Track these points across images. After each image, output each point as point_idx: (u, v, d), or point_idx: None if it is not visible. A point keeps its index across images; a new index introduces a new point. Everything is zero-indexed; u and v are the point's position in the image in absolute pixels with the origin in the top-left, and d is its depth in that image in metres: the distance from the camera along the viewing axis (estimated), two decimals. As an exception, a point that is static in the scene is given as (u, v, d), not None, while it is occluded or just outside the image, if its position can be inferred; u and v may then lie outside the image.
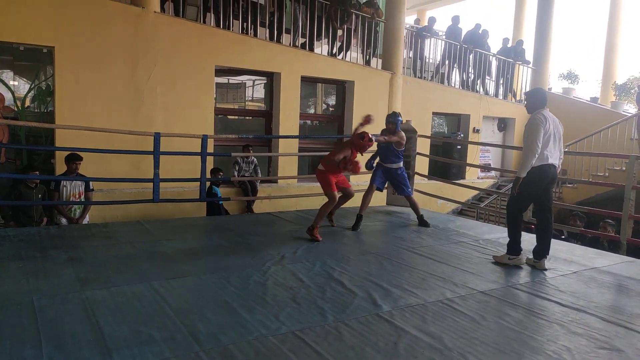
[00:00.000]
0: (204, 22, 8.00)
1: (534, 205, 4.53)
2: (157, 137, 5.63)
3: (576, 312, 3.34)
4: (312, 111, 10.24)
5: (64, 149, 6.10)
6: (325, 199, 5.47)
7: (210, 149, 7.30)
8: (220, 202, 7.36)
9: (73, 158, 5.97)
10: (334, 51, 9.67)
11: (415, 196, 7.61)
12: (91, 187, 6.24)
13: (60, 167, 6.33)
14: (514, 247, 4.46)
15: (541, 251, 4.39)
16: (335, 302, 3.35)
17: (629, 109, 12.78)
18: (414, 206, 6.29)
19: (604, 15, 14.57)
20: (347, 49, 9.85)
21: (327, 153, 5.83)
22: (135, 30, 7.02)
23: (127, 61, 6.99)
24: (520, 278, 4.11)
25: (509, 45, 12.91)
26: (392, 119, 6.06)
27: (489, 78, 12.11)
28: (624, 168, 6.51)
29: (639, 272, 4.47)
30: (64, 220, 6.05)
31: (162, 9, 7.60)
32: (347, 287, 3.67)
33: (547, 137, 4.18)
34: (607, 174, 9.18)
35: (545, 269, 4.31)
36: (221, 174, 7.35)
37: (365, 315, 3.14)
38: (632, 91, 12.69)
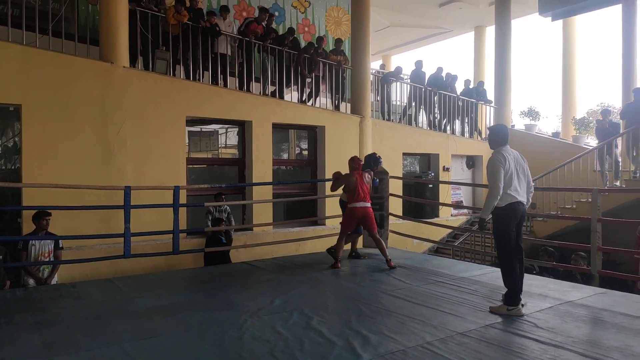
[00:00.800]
0: (174, 74, 8.10)
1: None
2: (127, 191, 5.56)
3: (554, 349, 3.35)
4: (285, 156, 10.33)
5: (30, 208, 5.96)
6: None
7: (183, 199, 7.25)
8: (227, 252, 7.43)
9: (41, 214, 5.82)
10: (303, 98, 9.88)
11: (391, 236, 7.69)
12: (60, 245, 6.06)
13: (28, 226, 6.14)
14: (512, 296, 4.17)
15: (508, 295, 4.21)
16: (314, 353, 3.28)
17: (590, 141, 13.32)
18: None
19: (558, 53, 15.42)
20: (317, 95, 10.09)
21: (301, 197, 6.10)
22: (105, 85, 7.05)
23: (97, 116, 6.98)
24: (497, 316, 4.11)
25: (471, 86, 13.46)
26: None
27: (452, 118, 12.51)
28: (590, 200, 6.73)
29: (612, 303, 4.54)
30: (31, 281, 5.82)
31: (132, 64, 7.68)
32: (326, 336, 3.61)
33: (509, 175, 4.19)
34: (574, 206, 9.45)
35: (522, 315, 4.11)
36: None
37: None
38: (591, 125, 13.28)
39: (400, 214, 9.86)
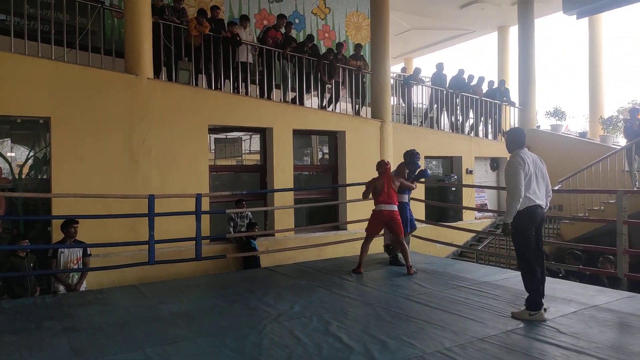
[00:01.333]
0: (196, 84, 8.28)
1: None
2: (151, 199, 5.70)
3: (577, 355, 3.29)
4: (307, 161, 10.40)
5: (57, 217, 6.17)
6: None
7: (205, 206, 7.37)
8: (257, 257, 7.73)
9: (69, 223, 6.02)
10: (324, 104, 9.94)
11: (414, 241, 7.64)
12: (89, 253, 6.25)
13: (57, 234, 6.36)
14: (534, 300, 4.11)
15: (530, 300, 4.14)
16: (332, 359, 3.31)
17: (619, 141, 12.97)
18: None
19: (585, 51, 15.05)
20: (337, 100, 10.13)
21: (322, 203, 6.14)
22: (130, 96, 7.26)
23: (123, 127, 7.19)
24: (519, 322, 4.06)
25: (494, 87, 13.28)
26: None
27: (472, 118, 12.36)
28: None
29: (639, 307, 4.42)
30: (61, 288, 6.02)
31: (156, 75, 7.88)
32: (345, 342, 3.63)
33: (528, 178, 4.14)
34: (602, 208, 9.21)
35: (545, 319, 4.06)
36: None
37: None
38: (619, 124, 12.92)
39: (423, 218, 9.80)
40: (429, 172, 6.85)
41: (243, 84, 8.76)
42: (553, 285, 5.07)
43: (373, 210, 6.28)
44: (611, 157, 9.64)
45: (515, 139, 4.38)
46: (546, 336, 3.67)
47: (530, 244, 4.19)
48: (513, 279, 5.60)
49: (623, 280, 5.63)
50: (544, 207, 4.28)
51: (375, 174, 6.42)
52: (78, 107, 6.89)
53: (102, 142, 7.02)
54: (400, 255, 6.52)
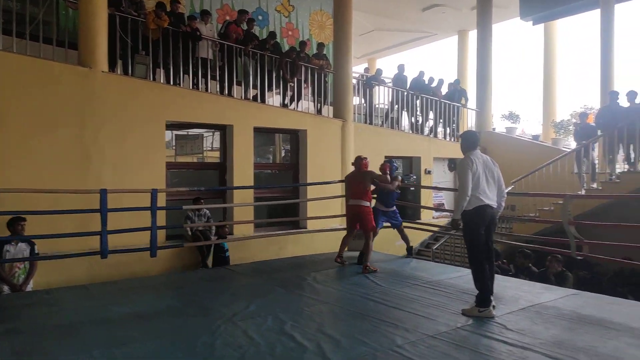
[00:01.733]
0: (154, 79, 8.07)
1: None
2: (103, 194, 5.53)
3: (522, 351, 3.41)
4: (269, 160, 10.34)
5: (3, 213, 5.88)
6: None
7: (162, 203, 7.21)
8: (227, 255, 7.72)
9: (16, 220, 5.77)
10: (285, 102, 9.90)
11: (375, 239, 7.70)
12: (36, 251, 5.99)
13: (3, 232, 6.06)
14: (483, 298, 4.24)
15: (480, 298, 4.26)
16: (285, 358, 3.31)
17: (569, 144, 13.53)
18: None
19: (540, 57, 15.64)
20: (299, 99, 10.12)
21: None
22: (83, 90, 7.00)
23: (75, 121, 6.92)
24: (469, 318, 4.17)
25: (452, 88, 13.60)
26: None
27: (432, 119, 12.62)
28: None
29: (583, 304, 4.63)
30: (6, 288, 5.75)
31: (111, 68, 7.64)
32: (298, 341, 3.63)
33: (477, 178, 4.28)
34: (552, 208, 9.58)
35: (493, 316, 4.17)
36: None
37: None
38: (570, 128, 13.49)
39: (382, 217, 9.92)
40: (396, 164, 7.04)
41: (203, 80, 8.62)
42: (502, 283, 5.24)
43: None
44: (562, 159, 10.04)
45: (468, 141, 4.52)
46: (493, 333, 3.79)
47: (479, 243, 4.32)
48: (466, 276, 5.74)
49: (568, 278, 5.89)
50: (494, 207, 4.40)
51: (336, 173, 6.55)
52: (27, 100, 6.58)
53: (52, 137, 6.74)
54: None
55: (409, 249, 7.36)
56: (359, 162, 6.56)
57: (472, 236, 4.33)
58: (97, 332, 3.89)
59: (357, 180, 6.46)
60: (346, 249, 6.87)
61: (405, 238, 7.32)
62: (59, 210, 6.14)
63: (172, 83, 8.22)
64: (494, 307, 4.26)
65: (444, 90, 13.12)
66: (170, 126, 8.25)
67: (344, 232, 6.95)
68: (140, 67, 7.73)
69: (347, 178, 6.71)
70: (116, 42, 7.70)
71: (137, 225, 6.59)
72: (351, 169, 7.00)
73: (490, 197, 4.34)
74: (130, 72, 7.78)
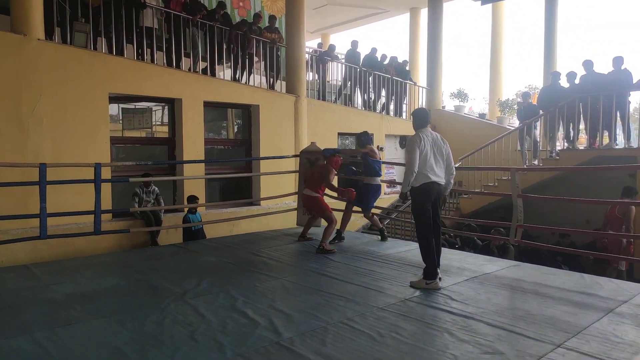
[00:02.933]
0: (95, 48, 7.64)
1: None
2: (42, 168, 5.22)
3: (465, 320, 3.56)
4: (223, 136, 10.12)
5: None
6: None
7: (108, 178, 6.93)
8: (200, 227, 7.59)
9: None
10: (237, 76, 9.67)
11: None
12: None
13: None
14: (430, 271, 4.38)
15: (427, 271, 4.39)
16: (236, 334, 3.30)
17: (514, 122, 14.07)
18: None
19: (488, 37, 16.00)
20: (250, 73, 9.90)
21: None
22: (17, 59, 6.53)
23: (9, 92, 6.46)
24: (416, 290, 4.31)
25: (407, 67, 13.75)
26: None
27: (384, 96, 12.75)
28: (510, 178, 7.13)
29: (523, 275, 4.89)
30: None
31: (48, 36, 7.15)
32: (250, 317, 3.63)
33: (424, 156, 4.39)
34: (496, 184, 10.00)
35: (440, 288, 4.32)
36: (197, 201, 7.58)
37: (266, 345, 3.11)
38: (514, 107, 14.00)
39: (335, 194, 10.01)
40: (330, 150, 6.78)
41: (148, 50, 8.24)
42: (448, 256, 5.44)
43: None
44: (506, 137, 10.45)
45: (418, 119, 4.63)
46: (439, 303, 3.94)
47: (426, 218, 4.45)
48: (414, 250, 5.91)
49: (510, 250, 6.18)
50: (441, 183, 4.51)
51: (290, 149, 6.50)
52: (-47, 68, 6.09)
53: (-17, 109, 6.28)
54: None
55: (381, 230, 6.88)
56: (333, 158, 6.30)
57: (419, 212, 4.47)
58: (39, 313, 3.72)
59: (310, 171, 6.42)
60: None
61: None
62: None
63: (114, 53, 7.80)
64: (440, 279, 4.42)
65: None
66: (115, 99, 7.88)
67: (295, 211, 6.98)
68: (80, 35, 7.28)
69: (308, 165, 6.56)
70: (53, 8, 7.21)
71: (80, 201, 6.33)
72: (305, 144, 6.96)
73: (437, 174, 4.45)
74: (69, 40, 7.32)
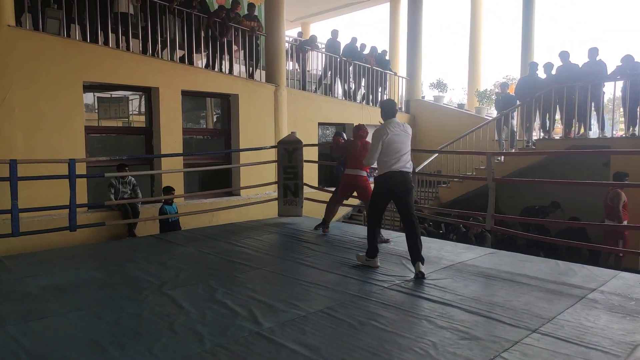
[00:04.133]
0: (68, 35, 7.43)
1: (399, 214, 4.75)
2: (13, 164, 5.06)
3: (443, 307, 3.61)
4: (202, 125, 9.99)
5: None
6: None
7: (82, 171, 6.80)
8: (175, 219, 7.49)
9: None
10: (215, 64, 9.52)
11: (307, 204, 7.75)
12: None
13: None
14: (370, 250, 4.78)
15: (413, 257, 4.46)
16: (215, 325, 3.27)
17: (492, 113, 14.24)
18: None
19: (466, 28, 16.11)
20: (229, 62, 9.77)
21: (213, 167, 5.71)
22: (-15, 45, 6.32)
23: (-23, 80, 6.26)
24: (396, 278, 4.35)
25: (387, 57, 13.75)
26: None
27: (364, 86, 12.75)
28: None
29: (499, 262, 4.97)
30: None
31: (18, 23, 6.92)
32: (230, 307, 3.61)
33: (387, 146, 4.50)
34: (474, 173, 10.12)
35: (421, 272, 4.34)
36: (173, 192, 7.50)
37: (245, 335, 3.10)
38: (492, 97, 14.16)
39: (316, 183, 10.01)
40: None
41: (123, 37, 8.05)
42: (427, 244, 5.46)
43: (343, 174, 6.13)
44: (484, 127, 10.56)
45: (386, 109, 4.74)
46: (418, 291, 3.98)
47: (377, 205, 4.74)
48: (395, 239, 5.98)
49: (488, 238, 6.28)
50: (409, 170, 4.59)
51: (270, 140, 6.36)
52: None
53: (-50, 97, 6.07)
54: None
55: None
56: (358, 131, 5.91)
57: (375, 198, 4.75)
58: (12, 306, 3.63)
59: (353, 149, 5.88)
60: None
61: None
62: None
63: (89, 40, 7.60)
64: (421, 274, 4.34)
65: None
66: (90, 87, 7.70)
67: (275, 201, 6.85)
68: (53, 21, 7.07)
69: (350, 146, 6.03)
70: (23, -8, 6.98)
71: (54, 193, 6.20)
72: (285, 134, 6.88)
73: (403, 163, 4.54)
74: (41, 27, 7.09)
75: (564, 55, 9.57)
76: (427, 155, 10.64)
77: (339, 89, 12.32)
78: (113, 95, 8.52)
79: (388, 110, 4.70)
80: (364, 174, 5.93)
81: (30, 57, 6.68)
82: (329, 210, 6.46)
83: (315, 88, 11.95)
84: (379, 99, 13.07)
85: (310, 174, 9.53)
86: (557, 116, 9.89)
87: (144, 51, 8.30)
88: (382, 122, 4.70)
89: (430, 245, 5.52)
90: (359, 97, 12.59)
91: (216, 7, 10.90)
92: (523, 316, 3.42)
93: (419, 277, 4.31)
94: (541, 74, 10.07)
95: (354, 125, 6.22)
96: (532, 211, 8.78)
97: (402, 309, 3.57)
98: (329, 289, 4.05)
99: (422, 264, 4.41)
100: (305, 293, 3.95)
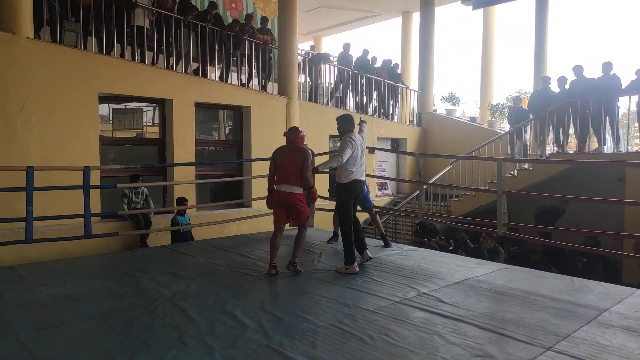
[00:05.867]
0: (85, 47, 7.57)
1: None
2: (29, 171, 5.15)
3: (455, 322, 3.56)
4: (214, 137, 10.07)
5: None
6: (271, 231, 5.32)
7: (96, 181, 6.87)
8: (187, 230, 7.54)
9: None
10: (228, 77, 9.63)
11: (318, 215, 7.73)
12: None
13: None
14: (348, 257, 5.01)
15: (363, 246, 5.27)
16: (225, 337, 3.26)
17: (504, 126, 14.16)
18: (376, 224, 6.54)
19: (479, 42, 16.10)
20: (242, 74, 9.87)
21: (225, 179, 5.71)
22: (5, 57, 6.45)
23: (-4, 91, 6.39)
24: (407, 293, 4.30)
25: (398, 70, 13.79)
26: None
27: (376, 99, 12.78)
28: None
29: (512, 278, 4.89)
30: None
31: (37, 35, 7.08)
32: (239, 319, 3.60)
33: (354, 156, 4.94)
34: (486, 187, 10.03)
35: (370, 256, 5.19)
36: (186, 203, 7.62)
37: (255, 347, 3.08)
38: (505, 111, 14.10)
39: (326, 194, 9.99)
40: None
41: (139, 50, 8.18)
42: (439, 259, 5.45)
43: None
44: (496, 141, 10.50)
45: (347, 124, 5.14)
46: (430, 306, 3.93)
47: (348, 211, 5.06)
48: (405, 253, 5.94)
49: (501, 253, 6.20)
50: (364, 180, 5.18)
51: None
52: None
53: (-30, 108, 6.19)
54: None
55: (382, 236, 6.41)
56: (294, 134, 5.05)
57: (344, 206, 5.06)
58: (24, 315, 3.66)
59: (290, 158, 4.91)
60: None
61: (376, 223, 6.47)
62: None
63: (105, 53, 7.73)
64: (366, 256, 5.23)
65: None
66: (106, 99, 7.81)
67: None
68: (70, 34, 7.21)
69: (277, 154, 5.07)
70: (42, 6, 7.14)
71: (68, 202, 6.28)
72: None
73: (362, 173, 5.10)
74: (59, 39, 7.24)
75: (578, 69, 9.51)
76: (439, 169, 10.59)
77: (350, 101, 12.36)
78: (128, 107, 8.63)
79: (349, 124, 5.11)
80: (300, 191, 4.88)
81: (48, 69, 6.81)
82: (336, 222, 6.44)
83: (327, 100, 12.00)
84: (391, 112, 13.08)
85: (321, 184, 9.52)
86: (571, 130, 9.81)
87: (159, 64, 8.41)
88: (343, 136, 5.06)
89: (442, 260, 5.46)
90: (370, 110, 12.61)
91: (230, 20, 11.05)
92: (537, 333, 3.35)
93: (371, 259, 5.24)
94: (554, 88, 10.01)
95: (291, 127, 5.29)
96: (546, 212, 8.65)
97: (414, 324, 3.52)
98: (339, 302, 4.02)
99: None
100: (316, 306, 3.93)
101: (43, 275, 4.86)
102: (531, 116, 10.07)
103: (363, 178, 5.12)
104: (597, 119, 8.98)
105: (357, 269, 4.96)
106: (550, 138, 10.16)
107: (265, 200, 5.31)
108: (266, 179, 5.29)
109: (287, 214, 5.01)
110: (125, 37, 7.92)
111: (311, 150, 6.12)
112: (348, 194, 5.05)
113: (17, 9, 6.57)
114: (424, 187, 7.24)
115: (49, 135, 6.79)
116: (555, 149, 10.04)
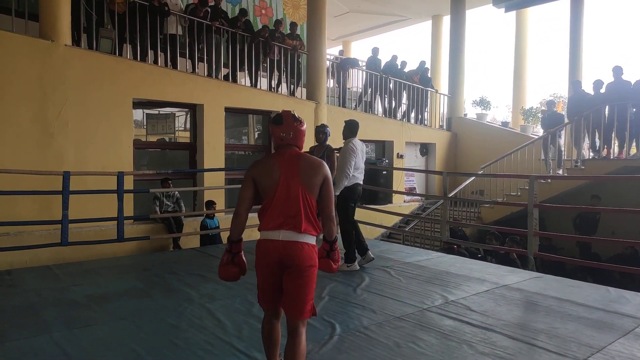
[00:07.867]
0: (120, 54, 7.79)
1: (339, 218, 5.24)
2: (66, 176, 5.33)
3: (484, 332, 3.48)
4: (244, 141, 10.19)
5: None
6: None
7: (129, 185, 7.04)
8: (216, 234, 7.66)
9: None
10: (258, 82, 9.73)
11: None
12: (-6, 232, 5.78)
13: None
14: (349, 256, 5.19)
15: (364, 248, 5.33)
16: (252, 340, 3.28)
17: (537, 131, 13.81)
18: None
19: (511, 45, 15.78)
20: (272, 80, 9.96)
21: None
22: (44, 64, 6.70)
23: (35, 97, 6.63)
24: (435, 300, 4.23)
25: (428, 74, 13.65)
26: (322, 129, 5.71)
27: (405, 104, 12.67)
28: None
29: (545, 287, 4.75)
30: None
31: (74, 42, 7.33)
32: (266, 322, 3.60)
33: (357, 162, 5.16)
34: (519, 193, 9.80)
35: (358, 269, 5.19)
36: (214, 206, 7.71)
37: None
38: (538, 115, 13.75)
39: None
40: None
41: (171, 56, 8.36)
42: (468, 266, 5.35)
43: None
44: (529, 146, 10.25)
45: (351, 129, 5.35)
46: (458, 314, 3.85)
47: (349, 211, 5.25)
48: (434, 259, 5.85)
49: (531, 260, 6.04)
50: (361, 183, 5.35)
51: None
52: (-17, 74, 6.27)
53: (11, 114, 6.43)
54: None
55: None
56: (292, 128, 2.73)
57: (345, 207, 5.22)
58: (58, 313, 3.78)
59: (294, 177, 2.58)
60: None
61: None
62: (19, 190, 5.93)
63: (139, 59, 7.94)
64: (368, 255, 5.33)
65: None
66: (139, 104, 8.01)
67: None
68: (106, 41, 7.44)
69: (261, 170, 2.70)
70: (80, 14, 7.39)
71: (102, 205, 6.45)
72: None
73: (361, 178, 5.31)
74: (95, 46, 7.48)
75: (617, 70, 9.19)
76: (470, 172, 10.41)
77: (379, 106, 12.30)
78: (160, 112, 8.83)
79: (354, 130, 5.33)
80: (312, 240, 2.72)
81: (84, 74, 7.04)
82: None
83: (355, 105, 11.97)
84: (420, 116, 12.95)
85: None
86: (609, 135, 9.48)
87: (192, 69, 8.58)
88: (345, 140, 5.27)
89: (472, 267, 5.36)
90: (399, 115, 12.52)
91: (260, 26, 11.19)
92: (570, 345, 3.24)
93: (373, 259, 5.36)
94: (589, 91, 9.71)
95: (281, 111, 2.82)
96: (586, 217, 8.40)
97: (442, 332, 3.46)
98: (365, 308, 3.99)
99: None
100: (341, 311, 3.91)
101: (77, 275, 5.00)
102: (566, 120, 9.78)
103: (361, 181, 5.36)
104: (635, 124, 8.65)
105: (358, 267, 5.22)
106: (586, 143, 9.84)
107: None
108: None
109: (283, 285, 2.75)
110: (158, 44, 8.11)
111: (335, 149, 5.51)
112: (350, 197, 5.25)
113: (56, 17, 6.82)
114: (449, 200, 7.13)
115: (85, 140, 7.01)
116: (591, 154, 9.73)
